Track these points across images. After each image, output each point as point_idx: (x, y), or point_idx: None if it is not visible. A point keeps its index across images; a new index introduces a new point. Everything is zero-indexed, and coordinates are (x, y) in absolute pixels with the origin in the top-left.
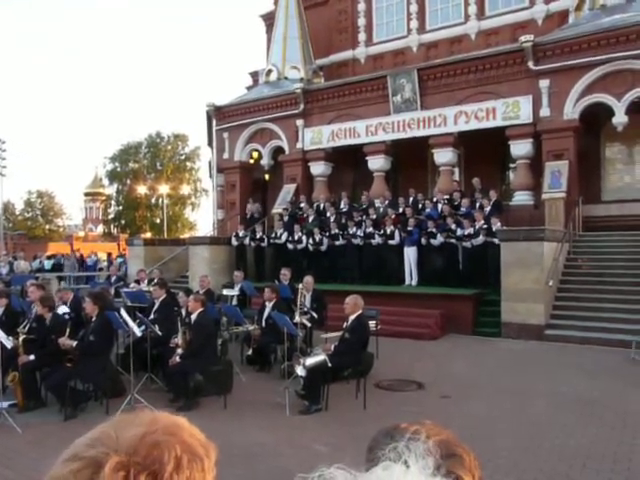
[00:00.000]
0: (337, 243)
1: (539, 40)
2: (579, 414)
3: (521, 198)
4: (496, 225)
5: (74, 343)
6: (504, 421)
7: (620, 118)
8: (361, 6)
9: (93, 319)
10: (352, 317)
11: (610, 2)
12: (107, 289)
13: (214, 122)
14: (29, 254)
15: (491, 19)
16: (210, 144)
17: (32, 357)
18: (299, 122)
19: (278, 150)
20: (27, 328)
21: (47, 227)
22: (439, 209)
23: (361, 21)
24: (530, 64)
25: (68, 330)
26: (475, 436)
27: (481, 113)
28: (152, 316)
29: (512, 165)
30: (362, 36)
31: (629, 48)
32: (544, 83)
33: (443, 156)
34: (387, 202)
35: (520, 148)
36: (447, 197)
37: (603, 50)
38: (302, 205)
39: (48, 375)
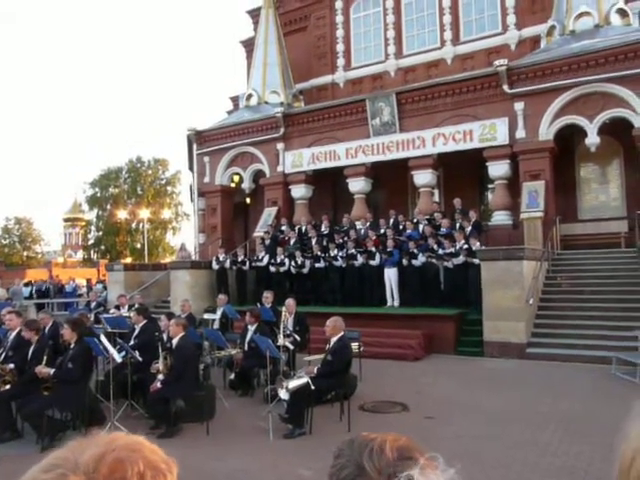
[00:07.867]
0: (318, 265)
1: (513, 64)
2: (562, 432)
3: (500, 218)
4: (475, 245)
5: (51, 371)
6: (488, 441)
7: (592, 139)
8: (339, 32)
9: (72, 346)
10: (334, 339)
11: (579, 28)
12: (86, 315)
13: (195, 146)
14: (6, 281)
15: (466, 44)
16: (191, 168)
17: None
18: (280, 146)
19: (259, 173)
20: (3, 356)
21: (25, 254)
22: (420, 230)
23: (339, 47)
24: (505, 87)
25: (45, 358)
26: (459, 456)
27: (459, 135)
28: (132, 342)
29: (490, 186)
30: (341, 61)
31: (598, 72)
32: (519, 105)
33: (422, 178)
34: (368, 224)
35: (497, 169)
36: (428, 217)
37: (574, 74)
38: (283, 228)
39: (24, 404)
